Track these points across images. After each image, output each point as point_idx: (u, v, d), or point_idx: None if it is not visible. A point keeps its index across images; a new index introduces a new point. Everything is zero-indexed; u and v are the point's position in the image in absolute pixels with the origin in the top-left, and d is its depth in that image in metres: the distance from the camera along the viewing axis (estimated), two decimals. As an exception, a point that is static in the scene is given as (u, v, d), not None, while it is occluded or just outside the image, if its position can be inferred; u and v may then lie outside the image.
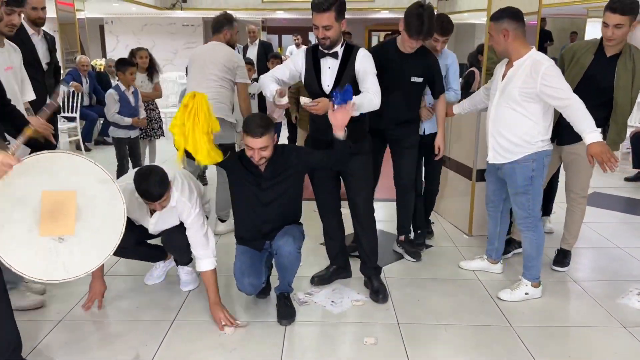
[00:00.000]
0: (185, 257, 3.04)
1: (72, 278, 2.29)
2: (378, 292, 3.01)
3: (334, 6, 2.66)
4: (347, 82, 2.77)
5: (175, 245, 2.97)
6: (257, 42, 7.68)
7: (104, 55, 13.30)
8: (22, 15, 3.18)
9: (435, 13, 3.22)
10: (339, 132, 2.61)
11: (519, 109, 2.78)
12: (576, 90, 2.74)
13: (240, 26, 4.02)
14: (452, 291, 3.12)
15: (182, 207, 2.76)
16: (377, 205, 3.16)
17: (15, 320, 2.23)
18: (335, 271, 3.24)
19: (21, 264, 2.20)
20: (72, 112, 6.95)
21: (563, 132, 2.96)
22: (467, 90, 4.91)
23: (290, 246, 2.68)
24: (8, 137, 2.50)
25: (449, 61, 3.56)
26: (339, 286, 3.17)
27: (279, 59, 5.73)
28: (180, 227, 2.85)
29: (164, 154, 5.50)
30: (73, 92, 6.91)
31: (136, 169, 2.74)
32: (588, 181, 3.28)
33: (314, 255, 3.52)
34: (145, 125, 4.90)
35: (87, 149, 7.08)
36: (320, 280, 3.20)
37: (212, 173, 5.55)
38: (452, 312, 2.88)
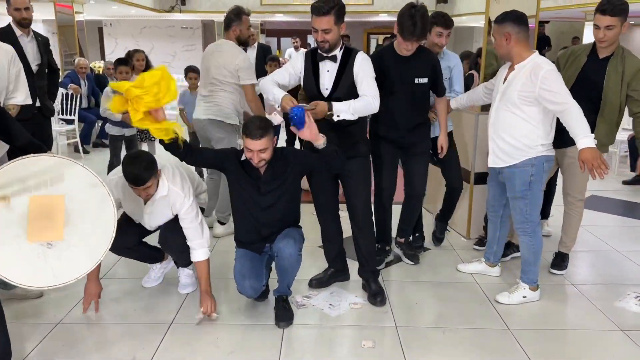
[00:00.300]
0: (183, 258, 3.02)
1: (61, 284, 2.25)
2: (376, 295, 3.00)
3: (334, 10, 2.68)
4: (346, 86, 2.78)
5: (172, 244, 2.96)
6: (255, 44, 7.67)
7: (103, 57, 13.33)
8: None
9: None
10: (317, 143, 2.64)
11: (518, 112, 2.78)
12: (571, 92, 2.75)
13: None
14: (450, 294, 3.12)
15: (174, 196, 2.76)
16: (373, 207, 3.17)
17: (13, 323, 2.22)
18: (334, 274, 3.24)
19: (8, 270, 2.15)
20: (70, 115, 6.95)
21: (558, 135, 2.95)
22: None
23: (291, 248, 2.68)
24: None
25: (452, 63, 3.57)
26: (337, 289, 3.17)
27: (277, 62, 5.73)
28: (177, 225, 2.85)
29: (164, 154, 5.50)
30: (72, 94, 6.91)
31: (129, 152, 2.72)
32: (585, 184, 3.29)
33: (312, 258, 3.52)
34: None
35: (86, 151, 7.07)
36: (318, 283, 3.20)
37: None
38: (450, 315, 2.88)
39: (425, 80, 3.13)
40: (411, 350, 2.55)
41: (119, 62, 4.94)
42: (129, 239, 2.93)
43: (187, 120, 5.29)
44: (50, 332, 2.69)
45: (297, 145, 5.62)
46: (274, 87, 2.85)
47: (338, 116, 2.74)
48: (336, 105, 2.72)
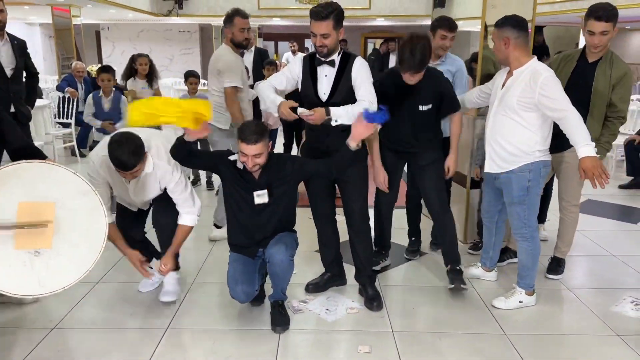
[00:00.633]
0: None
1: (47, 293, 2.20)
2: (373, 300, 3.00)
3: (333, 15, 2.68)
4: (344, 91, 2.79)
5: (164, 224, 2.97)
6: (253, 48, 7.68)
7: (100, 61, 13.33)
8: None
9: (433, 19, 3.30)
10: (353, 143, 2.60)
11: (516, 118, 2.78)
12: None
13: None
14: (446, 299, 3.12)
15: (162, 171, 2.75)
16: (372, 212, 3.16)
17: (8, 329, 2.20)
18: (330, 279, 3.23)
19: None
20: (67, 118, 6.94)
21: (554, 140, 2.96)
22: None
23: (282, 254, 2.67)
24: None
25: (455, 67, 3.58)
26: (334, 294, 3.17)
27: (274, 66, 5.74)
28: (168, 206, 2.88)
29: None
30: (68, 98, 6.90)
31: (112, 135, 2.61)
32: (579, 189, 3.29)
33: (308, 263, 3.51)
34: (112, 132, 4.86)
35: (82, 155, 7.05)
36: (314, 287, 3.19)
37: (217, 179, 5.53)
38: (447, 320, 2.88)
39: (429, 106, 3.03)
40: (408, 355, 2.54)
41: (102, 69, 5.06)
42: (133, 236, 2.96)
43: None
44: (44, 337, 2.67)
45: (295, 149, 5.64)
46: (271, 93, 2.85)
47: (336, 121, 2.74)
48: (334, 111, 2.73)
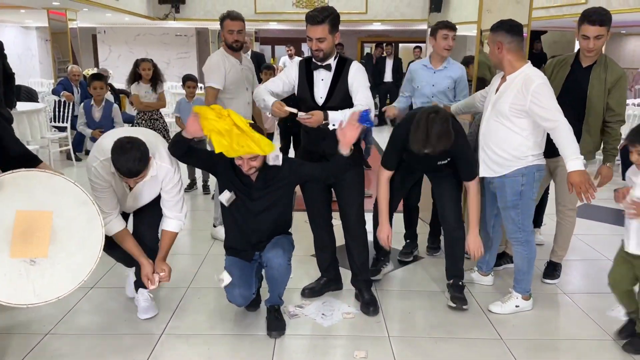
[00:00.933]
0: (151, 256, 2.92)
1: (41, 303, 2.17)
2: (369, 305, 2.99)
3: (328, 19, 2.69)
4: (340, 95, 2.79)
5: (149, 237, 2.88)
6: (249, 52, 7.69)
7: (97, 64, 13.31)
8: None
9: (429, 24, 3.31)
10: (345, 149, 2.60)
11: (508, 124, 2.78)
12: (557, 101, 2.76)
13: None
14: (443, 304, 3.11)
15: (164, 173, 2.70)
16: (369, 216, 3.15)
17: (2, 334, 2.18)
18: (326, 283, 3.22)
19: None
20: (63, 122, 6.92)
21: (550, 145, 2.97)
22: None
23: (281, 258, 2.67)
24: None
25: (457, 74, 3.61)
26: (330, 298, 3.16)
27: (272, 70, 5.75)
28: (153, 218, 2.85)
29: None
30: (64, 101, 6.88)
31: (116, 140, 2.49)
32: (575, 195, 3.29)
33: (304, 267, 3.50)
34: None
35: (78, 159, 7.03)
36: (310, 292, 3.18)
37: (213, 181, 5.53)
38: (443, 325, 2.87)
39: (448, 159, 2.90)
40: (404, 360, 2.54)
41: (94, 77, 5.02)
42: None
43: (183, 127, 5.34)
44: (38, 343, 2.65)
45: (292, 152, 5.63)
46: (267, 96, 2.85)
47: (333, 125, 2.74)
48: (331, 114, 2.73)
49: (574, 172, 2.61)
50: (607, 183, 3.15)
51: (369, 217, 3.17)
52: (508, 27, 2.78)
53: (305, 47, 13.55)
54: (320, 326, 2.86)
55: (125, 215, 2.87)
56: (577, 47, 3.27)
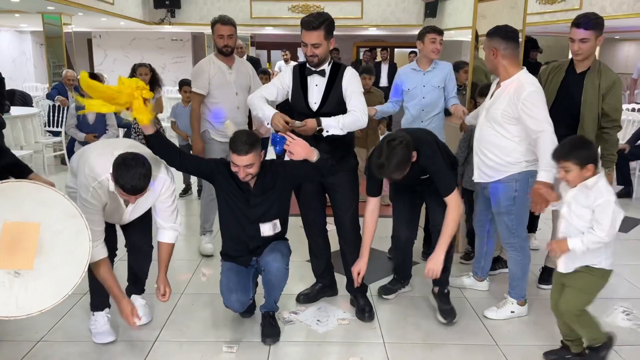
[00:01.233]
0: (144, 269, 2.91)
1: (23, 316, 2.12)
2: (364, 311, 2.98)
3: (323, 25, 2.69)
4: (334, 101, 2.78)
5: (146, 250, 2.86)
6: (244, 57, 7.69)
7: (92, 69, 13.25)
8: None
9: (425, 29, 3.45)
10: (312, 159, 2.63)
11: (500, 130, 2.78)
12: (552, 109, 2.76)
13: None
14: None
15: (160, 183, 2.62)
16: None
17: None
18: (321, 289, 3.21)
19: None
20: (57, 127, 6.89)
21: None
22: None
23: (279, 262, 2.66)
24: None
25: (444, 73, 3.64)
26: (325, 304, 3.14)
27: (267, 75, 5.74)
28: (147, 227, 2.81)
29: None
30: (59, 106, 6.86)
31: (117, 157, 2.38)
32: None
33: (299, 273, 3.48)
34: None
35: (72, 164, 7.00)
36: (305, 298, 3.17)
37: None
38: (438, 331, 2.86)
39: (427, 175, 2.83)
40: (399, 367, 2.52)
41: (90, 77, 4.81)
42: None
43: (179, 132, 5.38)
44: (30, 350, 2.63)
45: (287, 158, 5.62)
46: (264, 104, 2.84)
47: (327, 132, 2.74)
48: (325, 121, 2.72)
49: (539, 182, 2.58)
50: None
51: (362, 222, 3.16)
52: (503, 34, 2.78)
53: (301, 52, 13.51)
54: (315, 332, 2.84)
55: (110, 225, 2.70)
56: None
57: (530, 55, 10.43)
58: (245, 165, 2.55)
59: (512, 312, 2.99)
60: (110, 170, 2.38)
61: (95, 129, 4.77)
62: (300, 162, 2.69)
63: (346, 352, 2.66)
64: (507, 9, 4.62)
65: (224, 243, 2.87)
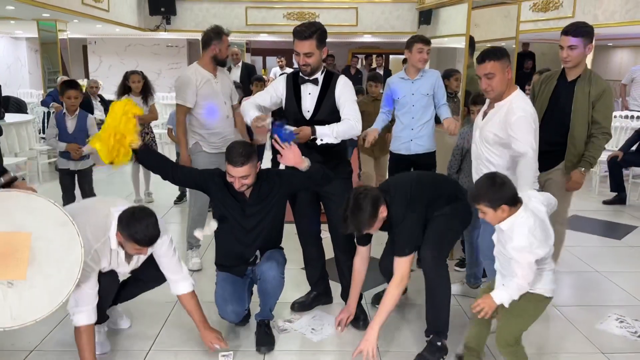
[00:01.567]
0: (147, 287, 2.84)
1: (17, 326, 2.10)
2: (358, 319, 2.98)
3: (316, 34, 2.71)
4: (327, 109, 2.79)
5: (154, 274, 2.72)
6: (240, 64, 7.71)
7: (87, 75, 13.24)
8: None
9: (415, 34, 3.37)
10: (302, 167, 2.64)
11: (495, 150, 2.73)
12: (544, 118, 2.74)
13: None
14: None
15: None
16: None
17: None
18: (316, 297, 3.21)
19: None
20: (52, 133, 6.86)
21: (540, 159, 2.98)
22: None
23: (274, 271, 2.66)
24: None
25: (432, 81, 3.65)
26: (320, 312, 3.14)
27: (262, 82, 5.75)
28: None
29: (157, 177, 5.46)
30: (53, 113, 6.84)
31: (121, 213, 2.39)
32: (566, 208, 3.31)
33: (294, 281, 3.48)
34: (77, 158, 4.32)
35: (67, 170, 6.97)
36: (300, 306, 3.16)
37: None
38: (433, 339, 2.86)
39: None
40: (393, 375, 2.52)
41: (67, 85, 4.34)
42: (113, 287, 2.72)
43: (175, 140, 5.33)
44: (24, 359, 2.61)
45: (282, 166, 5.63)
46: (251, 110, 2.86)
47: (322, 140, 2.75)
48: (319, 130, 2.73)
49: None
50: (577, 189, 3.16)
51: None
52: (505, 52, 2.68)
53: (296, 59, 13.51)
54: (309, 341, 2.84)
55: (112, 272, 2.62)
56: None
57: (525, 65, 10.53)
58: (241, 177, 2.56)
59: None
60: (111, 230, 2.39)
61: (75, 138, 4.30)
62: (296, 171, 2.70)
63: (341, 360, 2.66)
64: (500, 17, 4.66)
65: (218, 253, 2.87)
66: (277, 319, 2.98)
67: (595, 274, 3.82)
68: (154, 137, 5.39)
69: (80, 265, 2.18)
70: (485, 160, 2.81)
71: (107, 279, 2.55)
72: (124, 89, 5.25)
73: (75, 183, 4.40)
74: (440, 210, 2.64)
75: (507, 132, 2.62)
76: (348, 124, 2.74)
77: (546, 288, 2.26)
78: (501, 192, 2.16)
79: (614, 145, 6.52)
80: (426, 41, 3.57)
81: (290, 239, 3.20)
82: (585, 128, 3.12)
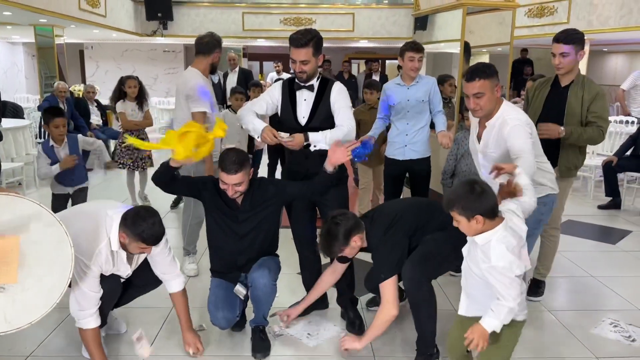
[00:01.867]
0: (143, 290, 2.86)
1: (13, 330, 2.10)
2: (354, 324, 2.99)
3: (312, 42, 2.73)
4: (322, 116, 2.82)
5: (150, 277, 2.75)
6: (237, 69, 7.73)
7: (84, 80, 13.26)
8: None
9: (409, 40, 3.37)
10: (330, 167, 2.65)
11: None
12: (538, 123, 2.74)
13: (222, 53, 3.91)
14: (428, 322, 3.11)
15: None
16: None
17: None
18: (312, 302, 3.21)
19: None
20: (48, 139, 6.86)
21: None
22: None
23: (266, 278, 2.66)
24: None
25: (428, 87, 3.66)
26: (316, 317, 3.15)
27: (260, 88, 5.76)
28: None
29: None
30: (39, 143, 6.83)
31: (125, 214, 2.41)
32: (560, 214, 3.33)
33: (290, 286, 3.49)
34: (73, 166, 3.93)
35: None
36: (296, 311, 3.17)
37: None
38: (428, 344, 2.87)
39: None
40: (389, 380, 2.53)
41: (54, 113, 3.93)
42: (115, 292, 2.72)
43: None
44: (19, 365, 2.62)
45: (279, 170, 5.64)
46: (254, 118, 2.88)
47: (315, 146, 2.77)
48: (312, 136, 2.76)
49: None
50: (551, 136, 3.04)
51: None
52: (494, 69, 2.58)
53: (293, 64, 13.54)
54: (305, 346, 2.85)
55: (115, 277, 2.63)
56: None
57: (525, 71, 10.62)
58: (234, 184, 2.58)
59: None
60: (112, 232, 2.41)
61: (75, 167, 3.93)
62: (291, 181, 2.73)
63: (336, 365, 2.66)
64: (495, 24, 4.70)
65: (212, 259, 2.88)
66: (272, 324, 2.98)
67: (590, 278, 3.83)
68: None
69: (71, 265, 2.17)
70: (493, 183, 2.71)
71: (110, 283, 2.57)
72: (120, 94, 5.25)
73: (67, 204, 4.03)
74: (431, 234, 2.63)
75: (505, 145, 2.54)
76: (341, 130, 2.77)
77: (520, 313, 2.09)
78: (478, 201, 1.95)
79: (608, 150, 6.56)
80: (417, 49, 3.54)
81: (287, 244, 3.21)
82: (578, 132, 3.14)
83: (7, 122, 6.59)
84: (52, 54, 9.10)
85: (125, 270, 2.60)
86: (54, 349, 2.78)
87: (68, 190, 4.03)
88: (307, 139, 2.75)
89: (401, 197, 3.89)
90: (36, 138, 7.01)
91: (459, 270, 3.59)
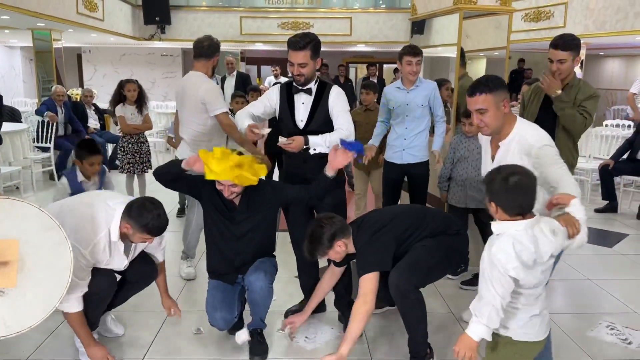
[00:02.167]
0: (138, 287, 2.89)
1: (12, 334, 2.10)
2: (351, 326, 2.99)
3: (310, 45, 2.75)
4: (320, 119, 2.83)
5: (147, 270, 2.83)
6: (234, 73, 7.74)
7: (81, 84, 13.24)
8: None
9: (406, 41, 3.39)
10: (330, 172, 2.66)
11: None
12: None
13: (220, 57, 3.92)
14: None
15: None
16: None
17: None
18: (310, 306, 3.21)
19: None
20: (46, 143, 6.87)
21: None
22: None
23: (262, 281, 2.67)
24: None
25: (428, 91, 3.68)
26: (314, 321, 3.15)
27: (258, 92, 5.77)
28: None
29: (153, 185, 5.45)
30: (48, 122, 6.84)
31: (130, 205, 2.45)
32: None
33: (288, 289, 3.49)
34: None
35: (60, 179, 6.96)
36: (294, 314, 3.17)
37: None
38: (426, 347, 2.87)
39: None
40: (386, 383, 2.53)
41: (90, 150, 3.53)
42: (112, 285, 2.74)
43: (175, 146, 5.38)
44: (17, 369, 2.61)
45: (277, 172, 5.64)
46: (245, 120, 2.91)
47: (314, 149, 2.78)
48: (312, 139, 2.77)
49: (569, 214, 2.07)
50: (547, 86, 3.10)
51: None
52: (501, 82, 2.35)
53: (290, 68, 13.54)
54: (303, 349, 2.85)
55: (110, 274, 2.67)
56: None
57: (526, 73, 10.68)
58: (230, 185, 2.59)
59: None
60: (112, 223, 2.44)
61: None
62: (289, 184, 2.73)
63: (334, 368, 2.66)
64: (492, 28, 4.72)
65: (209, 260, 2.88)
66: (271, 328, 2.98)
67: (587, 281, 3.85)
68: (149, 146, 5.39)
69: (70, 269, 2.18)
70: None
71: (104, 280, 2.59)
72: (119, 98, 5.25)
73: None
74: (422, 241, 2.61)
75: (531, 164, 2.25)
76: (340, 133, 2.78)
77: (520, 332, 1.92)
78: (503, 192, 1.82)
79: (605, 154, 6.59)
80: (414, 53, 3.55)
81: (285, 248, 3.22)
82: (570, 136, 3.16)
83: (4, 126, 6.57)
84: (50, 57, 9.10)
85: (120, 262, 2.60)
86: (51, 353, 2.78)
87: None
88: (306, 142, 2.76)
89: (399, 202, 3.91)
90: (34, 142, 6.99)
91: (456, 273, 3.64)
